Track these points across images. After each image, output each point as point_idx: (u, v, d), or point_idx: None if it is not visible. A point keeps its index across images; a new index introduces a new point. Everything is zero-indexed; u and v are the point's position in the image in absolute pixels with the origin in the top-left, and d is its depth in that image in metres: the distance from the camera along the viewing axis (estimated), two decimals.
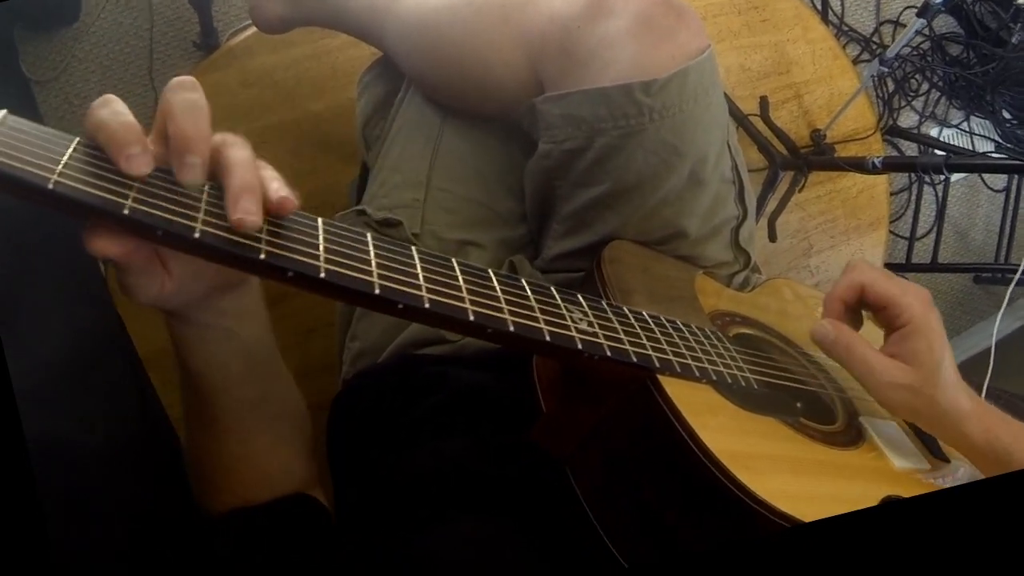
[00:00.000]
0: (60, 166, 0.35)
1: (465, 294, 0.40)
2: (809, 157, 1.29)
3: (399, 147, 0.78)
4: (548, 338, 0.41)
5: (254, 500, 0.54)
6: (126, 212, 0.35)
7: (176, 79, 0.37)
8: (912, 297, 0.53)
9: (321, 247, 0.38)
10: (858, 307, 0.56)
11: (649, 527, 0.47)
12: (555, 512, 0.53)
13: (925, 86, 1.64)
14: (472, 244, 0.73)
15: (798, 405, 0.55)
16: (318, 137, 1.17)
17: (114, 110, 0.35)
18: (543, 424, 0.52)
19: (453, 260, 0.43)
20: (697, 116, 0.62)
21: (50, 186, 0.34)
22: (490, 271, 0.44)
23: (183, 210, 0.36)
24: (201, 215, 0.36)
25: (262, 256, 0.35)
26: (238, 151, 0.38)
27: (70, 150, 0.36)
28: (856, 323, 0.57)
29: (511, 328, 0.40)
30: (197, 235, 0.35)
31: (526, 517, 0.54)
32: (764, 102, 1.34)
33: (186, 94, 0.36)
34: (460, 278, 0.42)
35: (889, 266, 1.43)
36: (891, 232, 1.46)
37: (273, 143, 1.14)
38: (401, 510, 0.59)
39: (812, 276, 1.37)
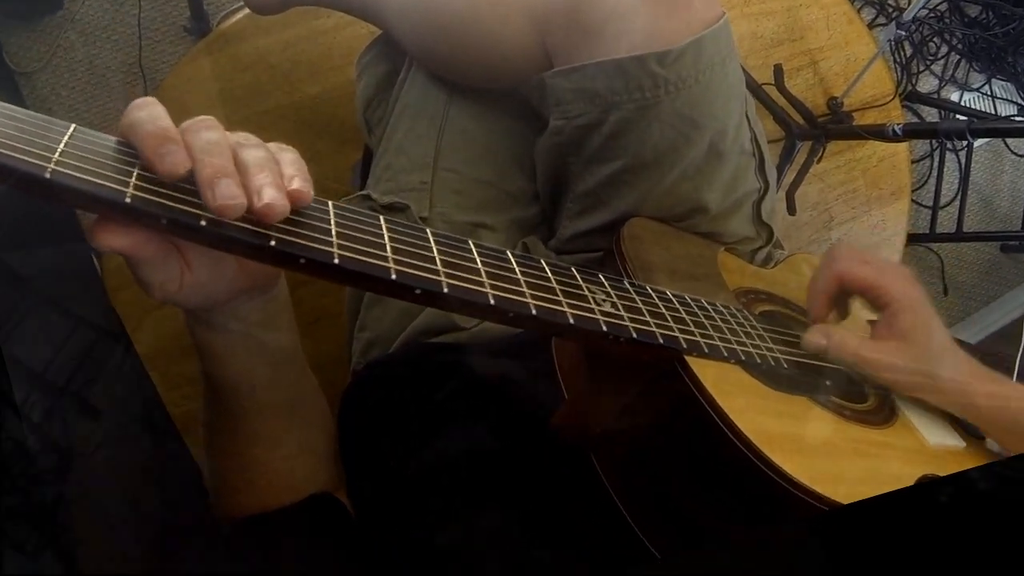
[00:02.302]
0: (56, 154, 0.33)
1: (484, 277, 0.39)
2: (827, 126, 1.25)
3: (403, 128, 0.76)
4: (572, 321, 0.40)
5: (276, 504, 0.53)
6: (128, 200, 0.33)
7: (197, 120, 0.36)
8: (890, 277, 0.53)
9: (334, 232, 0.36)
10: (843, 295, 0.56)
11: (680, 512, 0.45)
12: (576, 501, 0.52)
13: (944, 49, 1.59)
14: (483, 226, 0.71)
15: (828, 384, 0.53)
16: (316, 121, 1.15)
17: (152, 112, 0.34)
18: (565, 411, 0.50)
19: (470, 242, 0.41)
20: (715, 87, 0.60)
21: (47, 175, 0.32)
22: (508, 252, 0.42)
23: (188, 197, 0.34)
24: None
25: (272, 243, 0.34)
26: (252, 152, 0.36)
27: (66, 137, 0.34)
28: (844, 310, 0.58)
29: (533, 312, 0.38)
30: (204, 223, 0.33)
31: (545, 507, 0.53)
32: (778, 70, 1.31)
33: (207, 134, 0.35)
34: (478, 260, 0.40)
35: (913, 236, 1.39)
36: (914, 201, 1.43)
37: (270, 128, 1.12)
38: (414, 503, 0.58)
39: None
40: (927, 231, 1.39)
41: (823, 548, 0.44)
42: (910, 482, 0.49)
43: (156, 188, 0.34)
